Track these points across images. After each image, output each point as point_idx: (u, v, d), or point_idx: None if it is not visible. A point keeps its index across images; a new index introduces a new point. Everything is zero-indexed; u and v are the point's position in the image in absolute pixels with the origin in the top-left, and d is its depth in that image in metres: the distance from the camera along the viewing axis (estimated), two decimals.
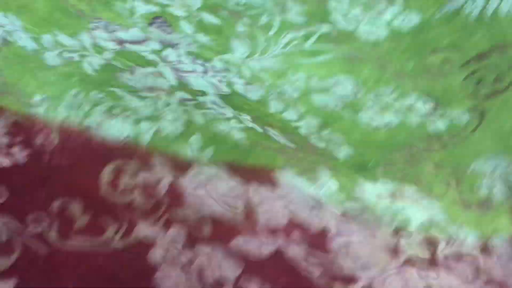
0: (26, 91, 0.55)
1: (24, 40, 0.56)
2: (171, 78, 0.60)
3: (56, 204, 0.53)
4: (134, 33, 0.62)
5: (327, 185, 0.59)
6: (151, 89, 0.58)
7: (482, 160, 0.54)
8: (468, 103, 0.57)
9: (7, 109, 0.52)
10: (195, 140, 0.55)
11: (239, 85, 0.64)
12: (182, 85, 0.60)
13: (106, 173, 0.54)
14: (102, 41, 0.60)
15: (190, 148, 0.56)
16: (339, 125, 0.63)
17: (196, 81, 0.61)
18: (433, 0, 0.67)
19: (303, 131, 0.62)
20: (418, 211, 0.55)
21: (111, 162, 0.55)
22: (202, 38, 0.67)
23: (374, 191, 0.57)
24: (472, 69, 0.58)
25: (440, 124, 0.59)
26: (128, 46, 0.61)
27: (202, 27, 0.68)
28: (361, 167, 0.59)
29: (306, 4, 0.73)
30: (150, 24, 0.64)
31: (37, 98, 0.56)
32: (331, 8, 0.72)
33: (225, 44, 0.67)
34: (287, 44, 0.69)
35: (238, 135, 0.57)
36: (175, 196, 0.56)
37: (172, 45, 0.64)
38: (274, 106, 0.64)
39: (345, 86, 0.66)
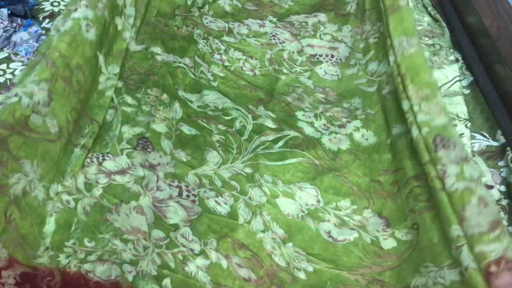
0: (34, 244, 0.59)
1: (37, 190, 0.61)
2: (149, 213, 0.66)
3: None
4: (120, 161, 0.71)
5: None
6: (133, 229, 0.64)
7: (419, 275, 0.56)
8: (410, 221, 0.62)
9: (17, 261, 0.54)
10: (167, 282, 0.60)
11: (210, 200, 0.69)
12: (158, 221, 0.66)
13: None
14: (93, 176, 0.68)
15: None
16: (301, 237, 0.65)
17: (170, 213, 0.67)
18: (385, 126, 0.76)
19: (267, 246, 0.64)
20: None
21: None
22: (180, 153, 0.74)
23: None
24: (411, 187, 0.64)
25: (391, 242, 0.63)
26: (115, 177, 0.69)
27: (180, 141, 0.77)
28: None
29: (276, 112, 0.83)
30: (135, 147, 0.73)
31: (41, 249, 0.59)
32: (299, 117, 0.82)
33: (200, 157, 0.75)
34: (256, 147, 0.76)
35: (203, 276, 0.61)
36: None
37: (152, 167, 0.71)
38: (242, 216, 0.67)
39: (308, 193, 0.70)
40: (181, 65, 0.87)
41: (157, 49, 0.88)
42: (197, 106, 0.82)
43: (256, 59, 0.93)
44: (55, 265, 0.59)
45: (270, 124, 0.80)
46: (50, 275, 0.57)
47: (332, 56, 0.94)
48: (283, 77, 0.90)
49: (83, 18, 0.72)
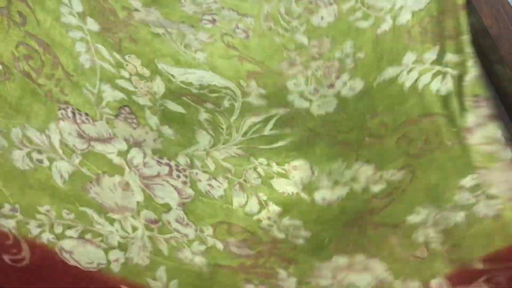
0: None
1: None
2: (137, 190, 0.61)
3: None
4: (100, 127, 0.63)
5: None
6: (118, 207, 0.59)
7: (415, 213, 0.56)
8: (401, 162, 0.61)
9: None
10: (161, 272, 0.55)
11: (203, 183, 0.66)
12: (148, 199, 0.61)
13: None
14: (70, 138, 0.60)
15: (158, 280, 0.55)
16: (297, 210, 0.66)
17: (160, 192, 0.63)
18: (375, 67, 0.72)
19: (264, 224, 0.64)
20: (366, 278, 0.59)
21: None
22: (167, 130, 0.69)
23: (329, 269, 0.61)
24: (403, 131, 0.63)
25: (380, 185, 0.63)
26: (95, 145, 0.62)
27: (166, 117, 0.71)
28: (317, 248, 0.61)
29: (267, 87, 0.77)
30: (117, 115, 0.66)
31: (7, 207, 0.50)
32: (289, 88, 0.77)
33: (189, 136, 0.70)
34: (247, 130, 0.72)
35: (200, 261, 0.59)
36: None
37: (138, 143, 0.66)
38: (236, 201, 0.66)
39: (302, 170, 0.69)
40: (161, 31, 0.79)
41: (136, 2, 0.78)
42: (180, 82, 0.76)
43: (251, 16, 0.86)
44: (23, 234, 0.49)
45: (260, 102, 0.76)
46: (16, 246, 0.47)
47: None
48: (278, 39, 0.84)
49: None
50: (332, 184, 0.67)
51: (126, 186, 0.61)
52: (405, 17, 0.72)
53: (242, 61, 0.81)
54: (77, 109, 0.62)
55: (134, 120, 0.67)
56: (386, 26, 0.74)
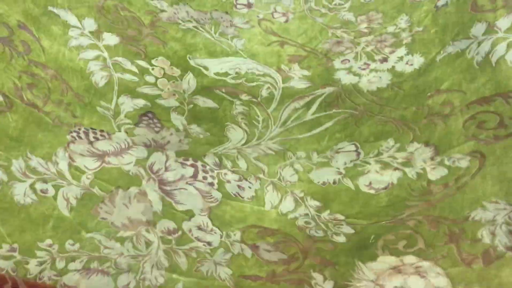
0: None
1: None
2: (155, 198, 0.57)
3: None
4: (117, 139, 0.60)
5: None
6: (131, 222, 0.55)
7: (482, 208, 0.49)
8: (468, 147, 0.54)
9: None
10: None
11: (232, 184, 0.60)
12: (166, 208, 0.57)
13: None
14: (80, 159, 0.57)
15: None
16: (339, 201, 0.59)
17: (183, 196, 0.58)
18: (437, 42, 0.64)
19: (300, 222, 0.57)
20: (417, 283, 0.50)
21: None
22: (196, 129, 0.64)
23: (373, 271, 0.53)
24: (473, 112, 0.55)
25: (440, 171, 0.55)
26: (110, 160, 0.59)
27: (195, 116, 0.66)
28: (361, 247, 0.54)
29: (312, 69, 0.70)
30: (137, 124, 0.62)
31: (5, 248, 0.49)
32: (336, 66, 0.69)
33: (220, 133, 0.65)
34: (286, 119, 0.65)
35: (223, 273, 0.53)
36: None
37: (160, 146, 0.61)
38: (269, 202, 0.59)
39: (346, 152, 0.61)
40: (192, 25, 0.74)
41: (161, 3, 0.74)
42: (214, 74, 0.70)
43: None
44: (22, 274, 0.48)
45: (302, 84, 0.68)
46: None
47: None
48: (320, 19, 0.75)
49: None
50: (380, 167, 0.59)
51: (143, 197, 0.57)
52: None
53: (283, 46, 0.73)
54: (91, 128, 0.60)
55: (158, 125, 0.63)
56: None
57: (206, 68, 0.70)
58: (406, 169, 0.57)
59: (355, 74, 0.68)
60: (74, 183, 0.56)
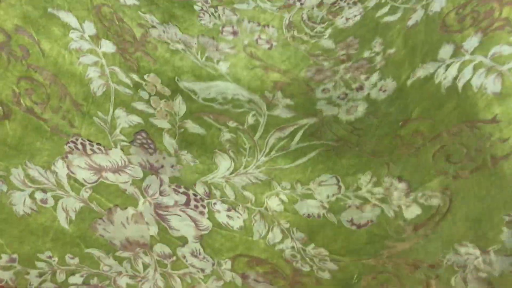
0: None
1: None
2: (151, 222, 0.58)
3: None
4: (114, 155, 0.60)
5: None
6: (129, 243, 0.56)
7: (454, 251, 0.48)
8: (438, 183, 0.53)
9: None
10: None
11: (221, 214, 0.62)
12: (162, 232, 0.58)
13: None
14: (79, 171, 0.57)
15: None
16: (323, 235, 0.60)
17: (177, 222, 0.59)
18: (407, 64, 0.63)
19: (287, 255, 0.59)
20: None
21: None
22: (186, 156, 0.66)
23: None
24: (442, 143, 0.53)
25: (414, 209, 0.55)
26: (107, 175, 0.59)
27: (185, 140, 0.67)
28: (345, 286, 0.55)
29: (295, 97, 0.72)
30: (132, 141, 0.63)
31: (4, 258, 0.49)
32: (318, 95, 0.71)
33: (209, 160, 0.66)
34: (271, 148, 0.67)
35: None
36: None
37: (155, 169, 0.62)
38: (257, 232, 0.61)
39: (328, 185, 0.63)
40: (180, 47, 0.75)
41: (152, 18, 0.73)
42: (202, 99, 0.71)
43: (273, 26, 0.81)
44: (22, 285, 0.49)
45: (287, 114, 0.70)
46: None
47: None
48: (302, 47, 0.78)
49: None
50: (360, 203, 0.60)
51: (140, 219, 0.58)
52: (438, 4, 0.61)
53: (267, 71, 0.75)
54: (88, 140, 0.60)
55: (151, 146, 0.64)
56: (417, 16, 0.64)
57: (194, 93, 0.71)
58: (384, 206, 0.58)
59: (334, 105, 0.70)
60: (73, 195, 0.56)
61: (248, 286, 0.56)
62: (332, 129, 0.67)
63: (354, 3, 0.76)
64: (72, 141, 0.58)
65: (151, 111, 0.66)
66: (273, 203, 0.62)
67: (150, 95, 0.67)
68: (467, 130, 0.51)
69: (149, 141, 0.64)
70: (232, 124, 0.69)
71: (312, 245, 0.59)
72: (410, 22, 0.65)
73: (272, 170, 0.65)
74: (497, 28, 0.51)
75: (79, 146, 0.58)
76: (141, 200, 0.59)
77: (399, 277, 0.51)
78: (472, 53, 0.53)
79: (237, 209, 0.62)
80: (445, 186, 0.52)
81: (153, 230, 0.58)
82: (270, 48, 0.78)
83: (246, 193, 0.63)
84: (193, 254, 0.58)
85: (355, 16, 0.75)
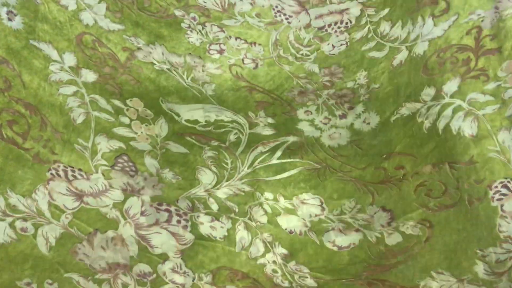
0: None
1: None
2: (132, 242, 0.60)
3: None
4: (95, 180, 0.61)
5: None
6: (109, 266, 0.57)
7: (430, 278, 0.52)
8: (418, 215, 0.57)
9: None
10: None
11: (205, 225, 0.63)
12: (142, 252, 0.59)
13: None
14: (60, 197, 0.58)
15: None
16: (305, 252, 0.62)
17: (157, 240, 0.61)
18: (391, 101, 0.67)
19: (268, 270, 0.61)
20: None
21: None
22: (168, 174, 0.67)
23: None
24: (422, 179, 0.58)
25: (396, 237, 0.58)
26: (88, 200, 0.60)
27: (167, 160, 0.68)
28: None
29: (276, 116, 0.74)
30: (113, 166, 0.64)
31: None
32: (300, 116, 0.73)
33: (192, 176, 0.68)
34: (253, 161, 0.69)
35: None
36: None
37: (135, 191, 0.64)
38: (240, 243, 0.63)
39: (311, 204, 0.65)
40: (166, 67, 0.76)
41: (138, 40, 0.74)
42: (185, 121, 0.73)
43: (259, 44, 0.82)
44: None
45: (267, 131, 0.72)
46: None
47: (342, 21, 0.80)
48: (287, 67, 0.79)
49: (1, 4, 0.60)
50: (343, 226, 0.63)
51: (120, 241, 0.59)
52: (421, 47, 0.65)
53: (251, 92, 0.77)
54: (70, 166, 0.61)
55: (132, 168, 0.65)
56: (401, 56, 0.69)
57: (177, 115, 0.73)
58: (366, 232, 0.61)
59: (316, 128, 0.72)
60: (54, 222, 0.57)
61: None
62: (314, 150, 0.70)
63: (341, 32, 0.78)
64: (54, 168, 0.59)
65: (132, 135, 0.68)
66: (257, 214, 0.65)
67: (131, 120, 0.68)
68: (446, 169, 0.55)
69: (131, 163, 0.65)
70: (214, 143, 0.71)
71: (294, 262, 0.61)
72: (395, 62, 0.69)
73: (255, 181, 0.67)
74: (474, 76, 0.55)
75: (61, 173, 0.60)
76: (122, 222, 0.61)
77: None
78: (451, 96, 0.58)
79: (220, 219, 0.64)
80: (425, 218, 0.56)
81: (133, 250, 0.59)
82: (255, 68, 0.79)
83: (229, 203, 0.65)
84: (174, 270, 0.59)
85: (341, 44, 0.78)
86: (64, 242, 0.57)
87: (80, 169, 0.61)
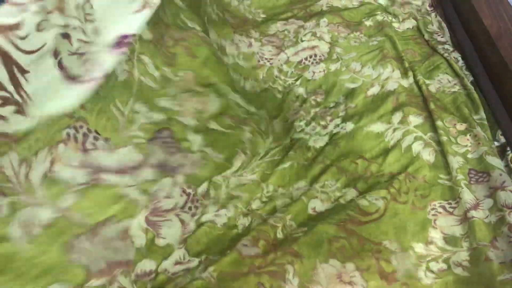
0: None
1: None
2: (140, 237, 0.55)
3: None
4: (122, 155, 0.49)
5: None
6: (110, 266, 0.48)
7: (388, 241, 0.63)
8: (382, 193, 0.69)
9: None
10: None
11: (210, 214, 0.67)
12: (150, 245, 0.56)
13: None
14: (68, 169, 0.43)
15: None
16: (294, 213, 0.69)
17: (166, 229, 0.59)
18: (364, 118, 0.81)
19: (271, 221, 0.66)
20: None
21: None
22: (211, 153, 0.65)
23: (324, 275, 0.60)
24: (387, 177, 0.73)
25: (365, 202, 0.69)
26: (106, 177, 0.47)
27: (211, 136, 0.65)
28: (317, 241, 0.63)
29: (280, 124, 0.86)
30: (151, 139, 0.53)
31: None
32: (295, 127, 0.85)
33: (230, 158, 0.72)
34: (265, 154, 0.78)
35: (207, 273, 0.54)
36: None
37: (171, 170, 0.57)
38: (241, 224, 0.67)
39: (300, 185, 0.74)
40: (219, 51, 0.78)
41: (192, 23, 0.67)
42: (235, 104, 0.74)
43: (252, 79, 0.92)
44: None
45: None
46: None
47: (315, 55, 0.95)
48: (279, 95, 0.92)
49: None
50: (325, 197, 0.72)
51: (125, 235, 0.51)
52: (392, 85, 0.83)
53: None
54: (96, 131, 0.48)
55: (174, 146, 0.58)
56: (375, 90, 0.85)
57: (225, 95, 0.72)
58: (341, 200, 0.71)
59: (305, 134, 0.84)
60: (48, 203, 0.44)
61: (239, 253, 0.58)
62: (303, 151, 0.81)
63: (317, 63, 0.93)
64: (75, 127, 0.46)
65: (177, 108, 0.59)
66: (256, 204, 0.71)
67: (181, 91, 0.60)
68: (404, 176, 0.70)
69: (173, 140, 0.57)
70: (252, 125, 0.77)
71: (288, 215, 0.68)
72: (369, 93, 0.85)
73: (263, 174, 0.75)
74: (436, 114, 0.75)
75: (80, 136, 0.46)
76: (141, 206, 0.54)
77: (351, 244, 0.63)
78: (415, 127, 0.75)
79: (227, 207, 0.68)
80: (385, 197, 0.69)
81: (140, 243, 0.55)
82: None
83: (236, 192, 0.71)
84: (177, 262, 0.58)
85: (319, 71, 0.92)
86: (56, 233, 0.44)
87: (106, 138, 0.49)
